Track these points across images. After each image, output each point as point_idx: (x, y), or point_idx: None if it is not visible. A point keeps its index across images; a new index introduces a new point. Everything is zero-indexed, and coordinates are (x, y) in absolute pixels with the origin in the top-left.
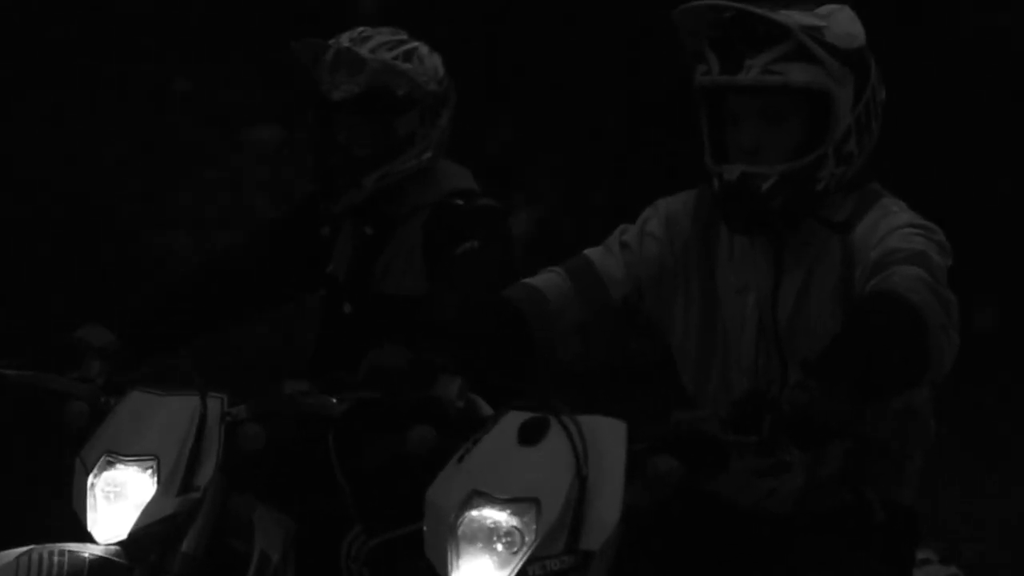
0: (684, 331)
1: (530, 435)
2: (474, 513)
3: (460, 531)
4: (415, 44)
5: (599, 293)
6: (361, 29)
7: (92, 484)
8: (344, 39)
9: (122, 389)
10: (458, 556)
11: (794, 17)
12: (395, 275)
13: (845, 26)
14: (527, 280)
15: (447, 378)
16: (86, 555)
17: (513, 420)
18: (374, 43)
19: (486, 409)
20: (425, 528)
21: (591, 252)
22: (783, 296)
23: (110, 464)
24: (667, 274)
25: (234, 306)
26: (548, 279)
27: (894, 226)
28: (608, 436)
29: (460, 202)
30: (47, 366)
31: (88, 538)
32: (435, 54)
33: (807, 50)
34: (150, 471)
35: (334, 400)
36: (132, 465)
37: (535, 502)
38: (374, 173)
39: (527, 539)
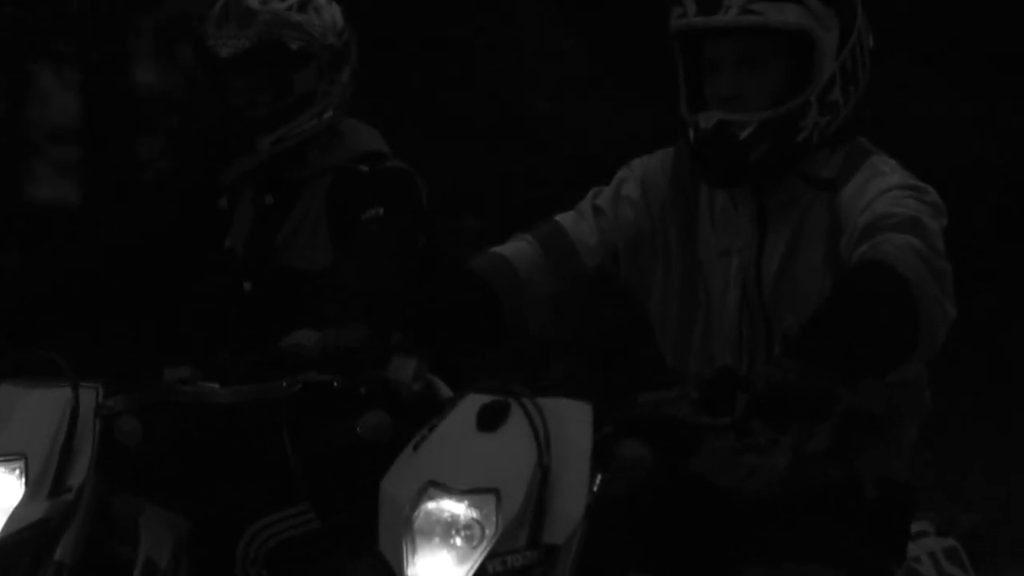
0: (663, 299)
1: (489, 420)
2: (431, 505)
3: (416, 524)
4: None
5: (572, 261)
6: None
7: None
8: None
9: None
10: (414, 551)
11: None
12: (299, 247)
13: None
14: (494, 249)
15: (403, 358)
16: None
17: (472, 404)
18: None
19: (446, 392)
20: (379, 521)
21: (562, 217)
22: (767, 259)
23: None
24: (644, 239)
25: (124, 291)
26: (517, 247)
27: (884, 188)
28: (573, 420)
29: (365, 167)
30: None
31: None
32: (333, 4)
33: None
34: (17, 472)
35: (218, 387)
36: None
37: (495, 493)
38: (270, 135)
39: (487, 532)
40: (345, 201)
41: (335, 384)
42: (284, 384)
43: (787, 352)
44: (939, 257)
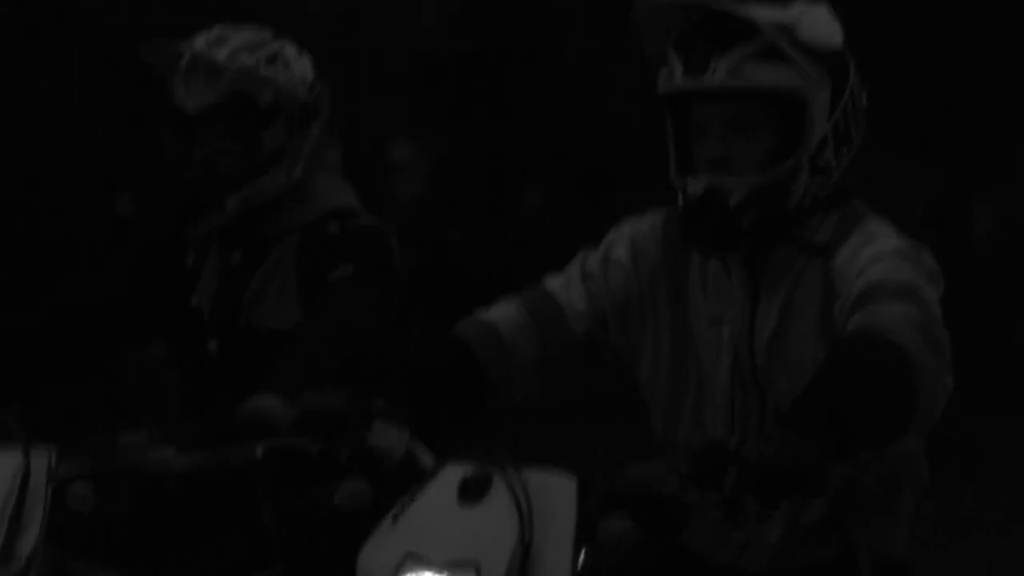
0: (653, 366)
1: (471, 492)
2: None
3: None
4: (280, 45)
5: (560, 327)
6: (219, 30)
7: None
8: (199, 43)
9: None
10: None
11: (764, 14)
12: (266, 306)
13: (821, 25)
14: (480, 312)
15: (385, 425)
16: None
17: (453, 474)
18: (232, 46)
19: (428, 460)
20: None
21: (550, 281)
22: (760, 327)
23: None
24: (634, 304)
25: (86, 349)
26: (503, 312)
27: (879, 252)
28: (557, 494)
29: (335, 224)
30: None
31: None
32: (304, 56)
33: (779, 50)
34: None
35: (175, 452)
36: None
37: (475, 567)
38: (239, 192)
39: None
40: (314, 260)
41: (313, 450)
42: (252, 449)
43: (780, 425)
44: (937, 326)
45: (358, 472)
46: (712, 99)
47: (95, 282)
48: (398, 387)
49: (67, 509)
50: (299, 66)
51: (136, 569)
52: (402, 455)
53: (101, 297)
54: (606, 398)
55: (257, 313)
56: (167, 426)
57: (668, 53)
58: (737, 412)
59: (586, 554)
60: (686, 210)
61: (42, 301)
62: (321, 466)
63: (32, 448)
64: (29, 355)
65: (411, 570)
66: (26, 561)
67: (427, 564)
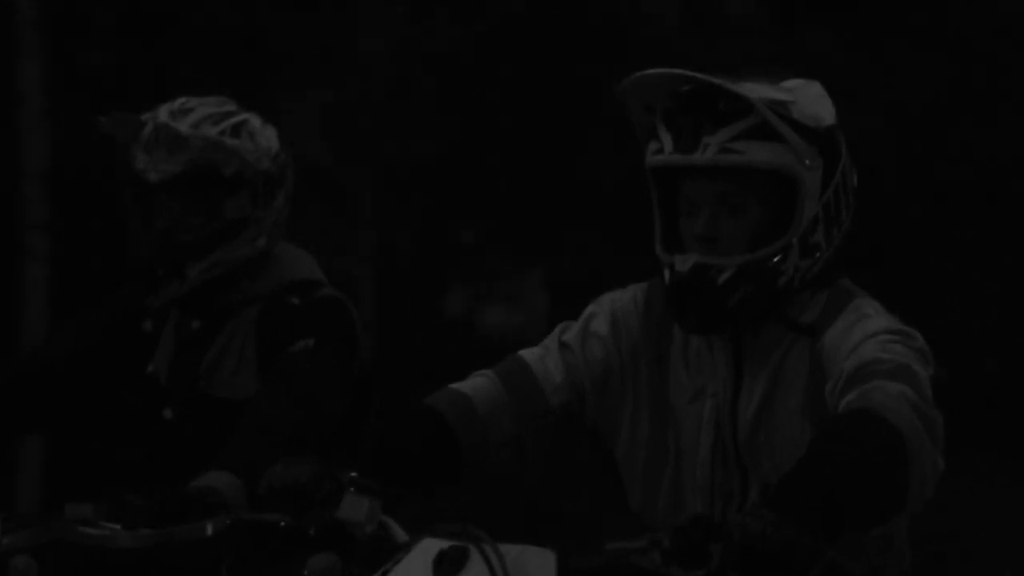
0: (631, 443)
1: (447, 567)
2: None
3: None
4: (244, 116)
5: (535, 400)
6: (183, 100)
7: None
8: (163, 113)
9: None
10: None
11: (757, 90)
12: (224, 375)
13: (814, 103)
14: (453, 385)
15: (356, 497)
16: None
17: (428, 549)
18: (196, 116)
19: (401, 534)
20: None
21: (526, 353)
22: (743, 403)
23: None
24: (613, 379)
25: (37, 408)
26: (477, 384)
27: (870, 332)
28: (536, 570)
29: (295, 298)
30: None
31: None
32: (269, 127)
33: (771, 127)
34: None
35: (120, 528)
36: None
37: None
38: (200, 263)
39: None
40: (275, 331)
41: (281, 523)
42: (202, 528)
43: (766, 501)
44: (930, 407)
45: (328, 546)
46: (702, 175)
47: (50, 344)
48: (369, 458)
49: None
50: (263, 137)
51: None
52: (373, 528)
53: (57, 360)
54: (583, 470)
55: (214, 382)
56: (115, 501)
57: (656, 126)
58: (718, 490)
59: None
60: (673, 287)
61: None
62: (289, 540)
63: None
64: None
65: None
66: None
67: None
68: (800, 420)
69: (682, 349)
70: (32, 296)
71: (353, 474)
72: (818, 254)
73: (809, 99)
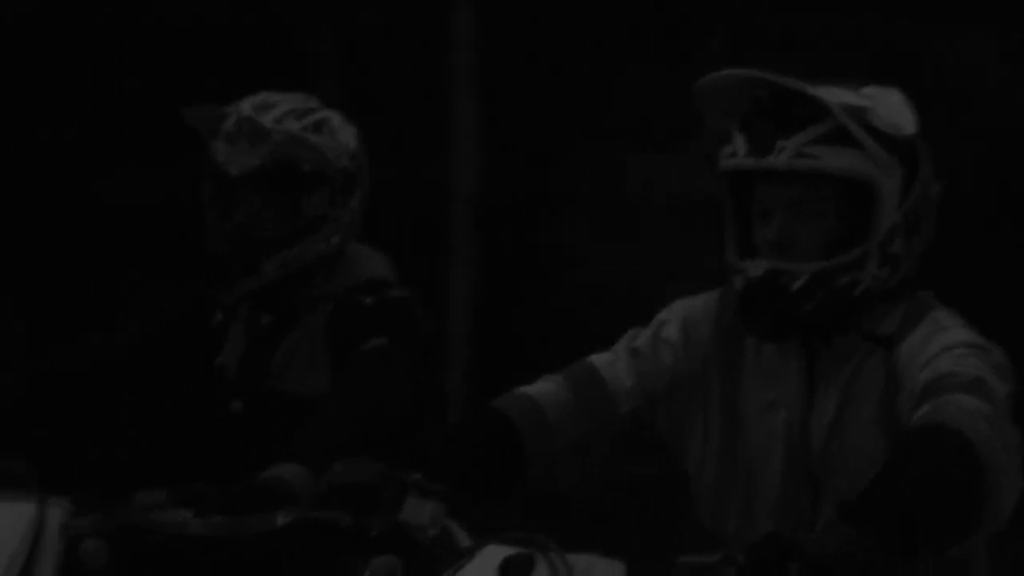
0: (701, 456)
1: (512, 574)
2: None
3: None
4: (327, 114)
5: (604, 406)
6: (265, 95)
7: None
8: (246, 106)
9: None
10: None
11: (836, 94)
12: (294, 371)
13: (894, 111)
14: (522, 389)
15: (419, 500)
16: None
17: (493, 555)
18: (279, 111)
19: (463, 539)
20: None
21: (596, 358)
22: (817, 415)
23: None
24: (684, 387)
25: (112, 402)
26: (545, 388)
27: (947, 344)
28: None
29: (368, 297)
30: None
31: None
32: (349, 125)
33: (849, 133)
34: None
35: (192, 515)
36: None
37: None
38: (275, 258)
39: None
40: (347, 330)
41: (343, 523)
42: (272, 518)
43: (844, 519)
44: (1007, 422)
45: (389, 548)
46: (776, 180)
47: (122, 337)
48: (434, 461)
49: (78, 566)
50: (344, 134)
51: None
52: (436, 532)
53: (126, 351)
54: (649, 483)
55: (285, 378)
56: (187, 488)
57: (731, 131)
58: (789, 504)
59: None
60: (745, 293)
61: (68, 353)
62: (350, 540)
63: (47, 501)
64: (50, 407)
65: None
66: None
67: None
68: (874, 432)
69: (754, 357)
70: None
71: (417, 476)
72: (897, 264)
73: (889, 107)
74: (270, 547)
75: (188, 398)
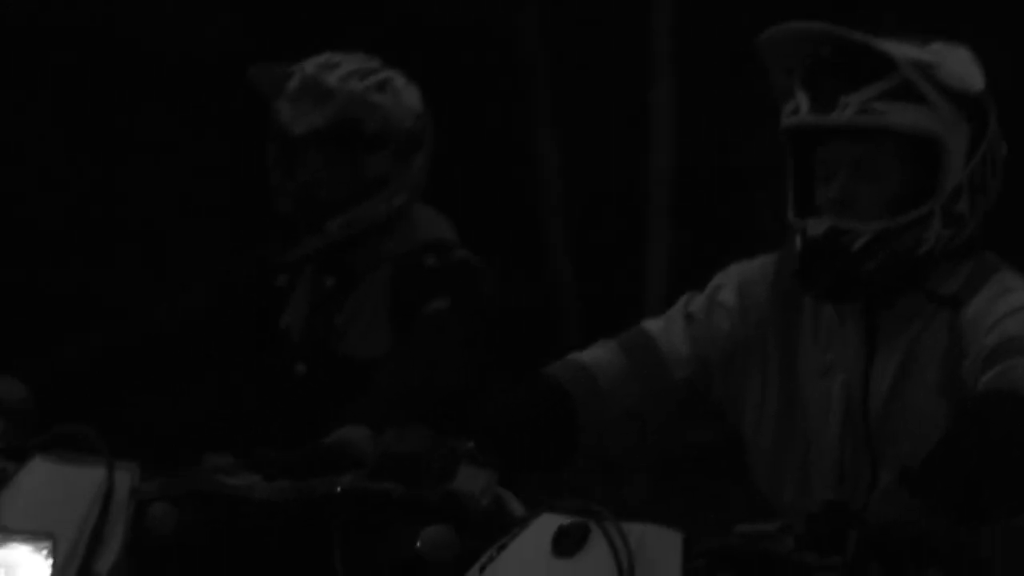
0: (757, 421)
1: (567, 544)
2: None
3: None
4: (390, 74)
5: (659, 373)
6: (329, 55)
7: None
8: (310, 65)
9: (25, 455)
10: None
11: (903, 49)
12: (357, 334)
13: (962, 66)
14: (574, 355)
15: (472, 469)
16: None
17: (547, 524)
18: (343, 71)
19: (517, 508)
20: None
21: (650, 324)
22: (876, 380)
23: (1, 542)
24: (740, 352)
25: (177, 365)
26: (599, 355)
27: (1014, 306)
28: (660, 550)
29: (431, 258)
30: None
31: None
32: (412, 86)
33: (915, 88)
34: (44, 552)
35: (261, 479)
36: (25, 544)
37: None
38: (339, 218)
39: None
40: (409, 291)
41: (395, 492)
42: (334, 485)
43: (905, 487)
44: None
45: (443, 518)
46: (839, 137)
47: (187, 299)
48: (487, 429)
49: (147, 529)
50: (408, 95)
51: None
52: (489, 501)
53: (192, 314)
54: (706, 452)
55: (346, 340)
56: (254, 452)
57: (794, 87)
58: (846, 472)
59: None
60: (805, 252)
61: (133, 317)
62: (403, 510)
63: (116, 465)
64: (118, 371)
65: None
66: None
67: None
68: (936, 398)
69: (812, 321)
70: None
71: (469, 445)
72: (962, 224)
73: (958, 62)
74: (317, 512)
75: (253, 361)
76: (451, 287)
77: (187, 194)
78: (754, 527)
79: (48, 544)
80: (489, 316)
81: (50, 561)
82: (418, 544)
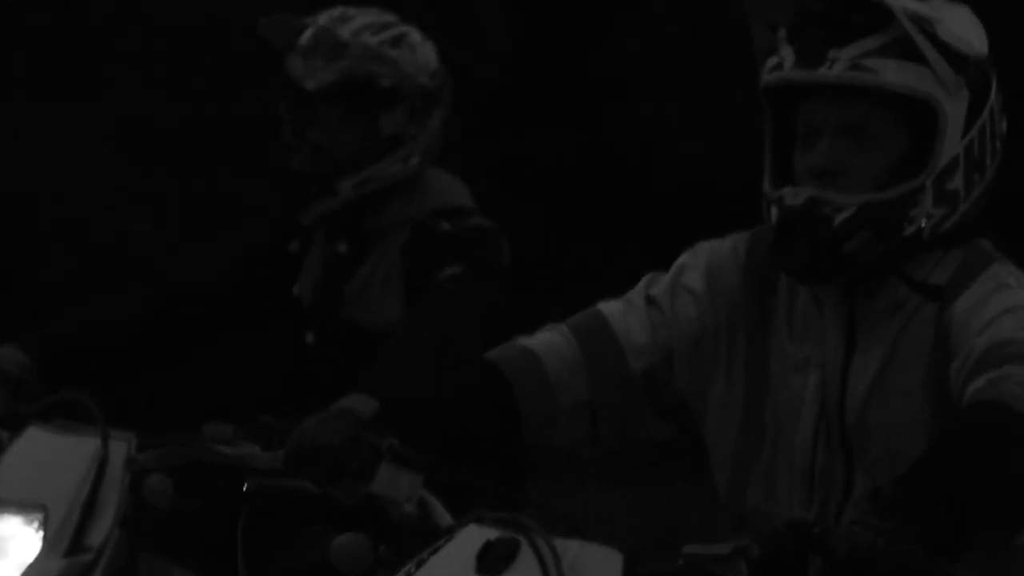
0: (722, 418)
1: (492, 562)
2: None
3: None
4: (405, 29)
5: (614, 362)
6: (343, 8)
7: None
8: (323, 18)
9: (22, 424)
10: None
11: (901, 1)
12: (368, 301)
13: (964, 26)
14: (521, 340)
15: (393, 469)
16: None
17: (473, 538)
18: (357, 24)
19: (444, 517)
20: None
21: (607, 307)
22: (855, 378)
23: None
24: (706, 341)
25: (186, 334)
26: (548, 341)
27: (1008, 305)
28: (596, 571)
29: (446, 223)
30: None
31: None
32: (428, 42)
33: (913, 45)
34: (36, 524)
35: (260, 450)
36: (16, 516)
37: None
38: (352, 178)
39: None
40: (423, 257)
41: (305, 494)
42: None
43: (878, 509)
44: None
45: (358, 523)
46: (825, 96)
47: (198, 265)
48: (411, 422)
49: (143, 501)
50: (424, 51)
51: (207, 567)
52: (412, 507)
53: (203, 281)
54: (663, 451)
55: (357, 308)
56: (254, 422)
57: (778, 43)
58: (818, 478)
59: None
60: (781, 225)
61: (150, 281)
62: (314, 514)
63: (111, 435)
64: (126, 339)
65: None
66: (97, 550)
67: None
68: (919, 400)
69: (786, 310)
70: None
71: (392, 441)
72: (955, 204)
73: (960, 21)
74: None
75: (265, 330)
76: (466, 253)
77: None
78: (704, 548)
79: (40, 516)
80: (502, 283)
81: (41, 533)
82: (330, 554)
